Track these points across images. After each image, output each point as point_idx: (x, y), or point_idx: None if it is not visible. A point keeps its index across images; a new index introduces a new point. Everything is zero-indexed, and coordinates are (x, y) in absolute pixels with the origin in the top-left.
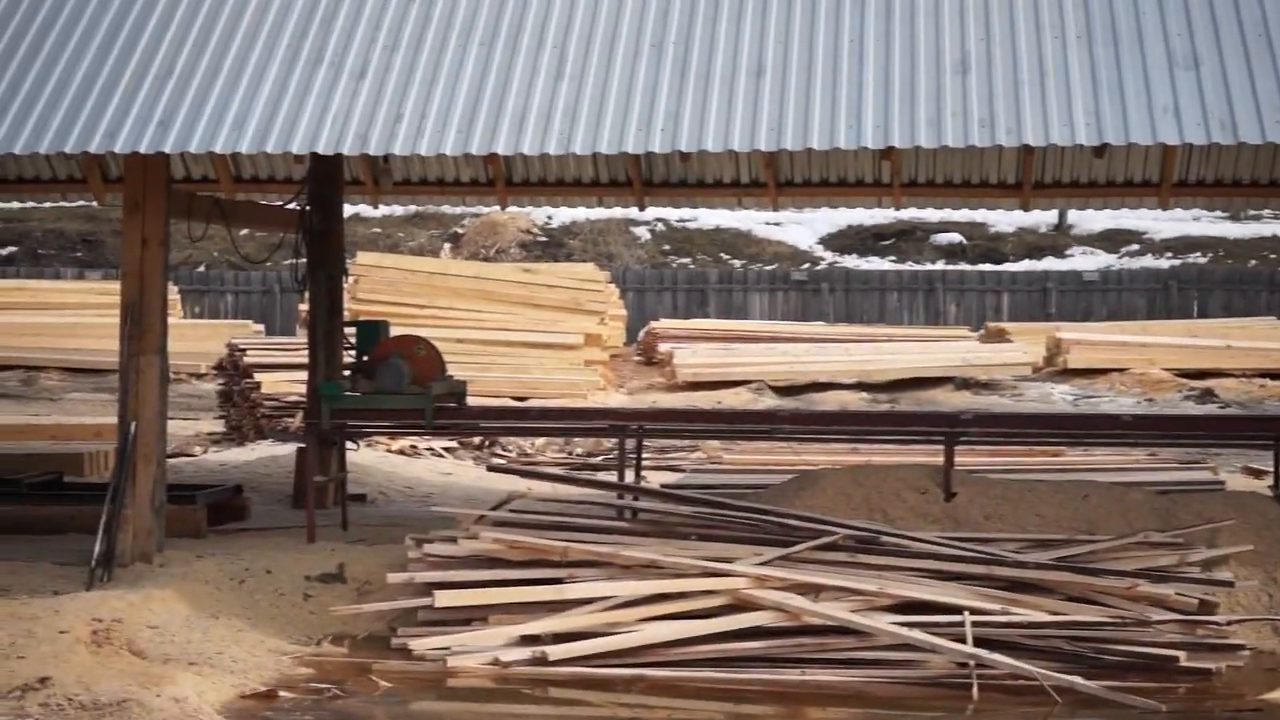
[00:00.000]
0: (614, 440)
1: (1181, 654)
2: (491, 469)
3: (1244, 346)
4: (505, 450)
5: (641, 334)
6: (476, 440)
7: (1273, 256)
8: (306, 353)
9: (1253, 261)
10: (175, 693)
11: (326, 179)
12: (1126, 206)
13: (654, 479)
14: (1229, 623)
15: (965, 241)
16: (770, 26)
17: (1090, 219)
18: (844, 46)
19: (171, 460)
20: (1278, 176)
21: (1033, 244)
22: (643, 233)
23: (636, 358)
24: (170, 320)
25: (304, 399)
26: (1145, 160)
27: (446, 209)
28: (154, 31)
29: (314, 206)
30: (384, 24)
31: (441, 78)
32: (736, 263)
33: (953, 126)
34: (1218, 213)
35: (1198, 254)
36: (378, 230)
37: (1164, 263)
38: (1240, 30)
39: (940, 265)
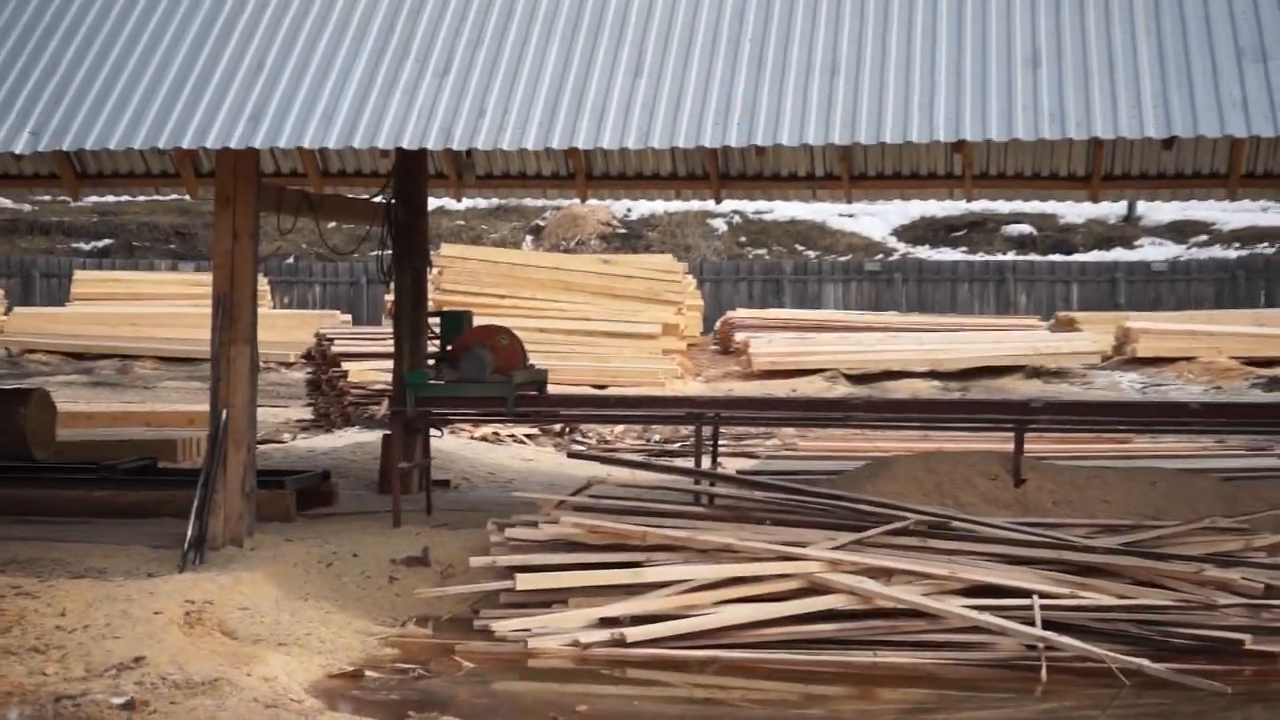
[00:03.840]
0: (691, 428)
1: (1247, 637)
2: (571, 455)
3: None
4: (585, 437)
5: (718, 323)
6: (557, 427)
7: None
8: (392, 342)
9: None
10: (265, 672)
11: (411, 173)
12: (1195, 198)
13: (730, 465)
14: None
15: (1035, 232)
16: (844, 22)
17: (1158, 210)
18: (916, 42)
19: (261, 446)
20: None
21: (1102, 235)
22: (719, 224)
23: (713, 347)
24: (260, 310)
25: (389, 387)
26: (1213, 152)
27: (528, 202)
28: (244, 29)
29: (399, 200)
30: (468, 20)
31: (523, 74)
32: (811, 254)
33: (1023, 120)
34: None
35: (1265, 244)
36: (461, 223)
37: (1231, 253)
38: None
39: (1011, 256)
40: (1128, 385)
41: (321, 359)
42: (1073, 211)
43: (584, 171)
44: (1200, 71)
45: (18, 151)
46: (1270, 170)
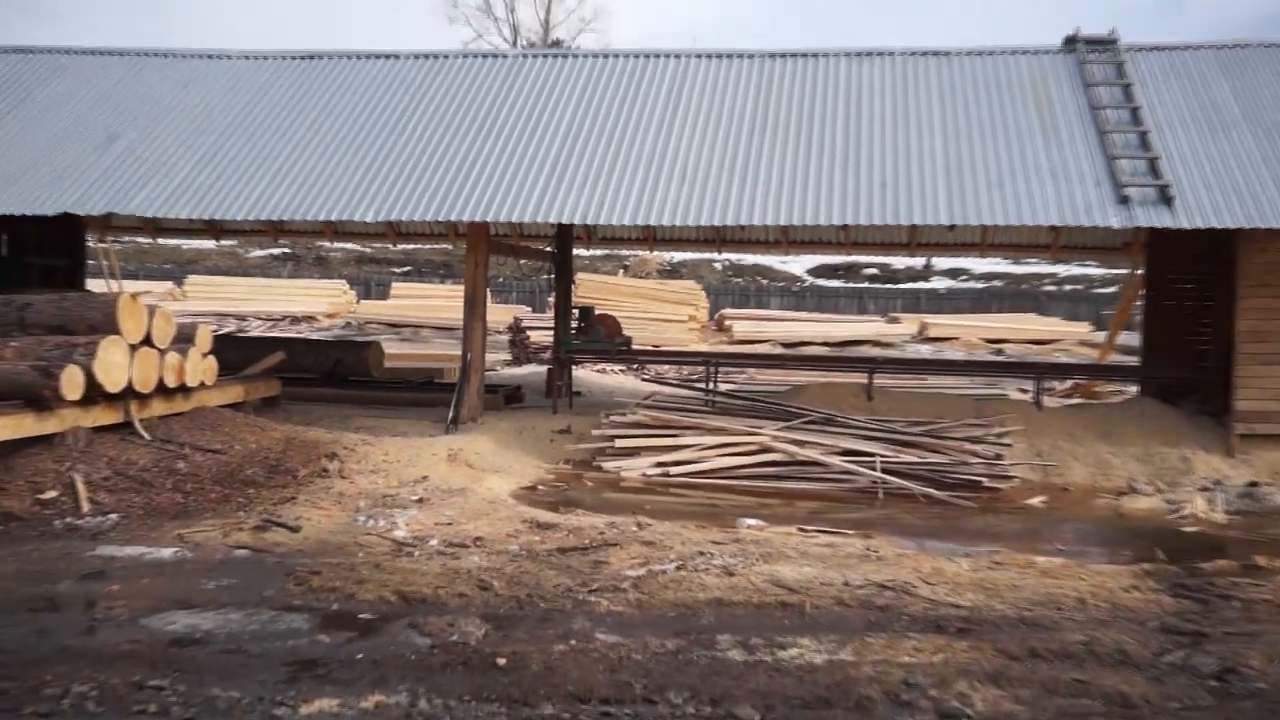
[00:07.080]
0: (703, 368)
1: (985, 479)
2: (643, 380)
3: (1018, 328)
4: (647, 371)
5: (716, 316)
6: (635, 365)
7: (1036, 283)
8: (553, 321)
9: (1024, 285)
10: (488, 485)
11: (565, 234)
12: (963, 255)
13: (723, 387)
14: (1010, 464)
15: (879, 272)
16: (786, 162)
17: (944, 262)
18: (824, 173)
19: (486, 372)
20: (1039, 241)
21: (913, 274)
22: (718, 265)
23: (714, 328)
24: (486, 305)
25: (551, 344)
26: (973, 232)
27: (622, 251)
28: (484, 162)
29: (559, 248)
30: (594, 163)
31: (624, 186)
32: (765, 280)
33: (879, 214)
34: (1009, 259)
35: (998, 281)
36: (587, 261)
37: (980, 285)
38: (1026, 168)
39: (866, 284)
40: (925, 351)
41: (516, 329)
42: (899, 262)
43: (652, 236)
44: (970, 191)
45: (368, 219)
46: (1002, 242)
